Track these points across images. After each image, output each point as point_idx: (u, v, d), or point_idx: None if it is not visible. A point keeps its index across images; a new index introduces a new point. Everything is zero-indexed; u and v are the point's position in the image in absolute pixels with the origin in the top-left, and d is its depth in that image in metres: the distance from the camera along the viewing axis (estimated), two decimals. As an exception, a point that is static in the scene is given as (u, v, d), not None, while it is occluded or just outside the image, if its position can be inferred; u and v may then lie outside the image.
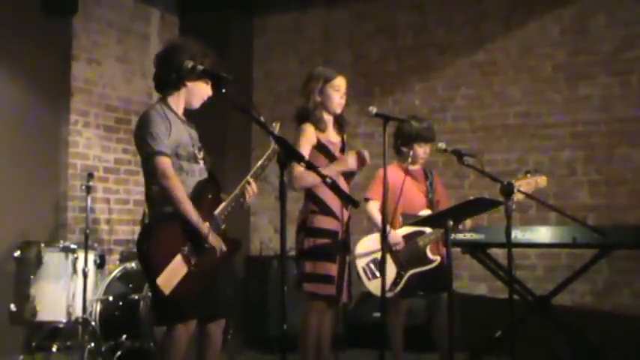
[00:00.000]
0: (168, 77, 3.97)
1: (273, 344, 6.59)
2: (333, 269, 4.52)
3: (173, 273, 3.72)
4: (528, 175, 4.88)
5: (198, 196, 3.88)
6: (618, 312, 6.49)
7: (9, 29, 6.58)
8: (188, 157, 3.93)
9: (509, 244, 4.35)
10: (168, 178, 3.80)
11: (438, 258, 5.13)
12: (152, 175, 3.86)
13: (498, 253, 6.11)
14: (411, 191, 5.21)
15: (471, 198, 4.56)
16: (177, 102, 4.01)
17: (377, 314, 6.33)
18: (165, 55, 4.01)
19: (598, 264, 5.70)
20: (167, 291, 3.70)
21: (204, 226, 3.82)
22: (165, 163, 3.81)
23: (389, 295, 5.06)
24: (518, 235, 5.48)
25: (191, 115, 4.12)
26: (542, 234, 5.54)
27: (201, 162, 3.99)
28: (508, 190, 4.31)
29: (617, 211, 6.57)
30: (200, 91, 4.02)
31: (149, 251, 3.76)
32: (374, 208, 5.15)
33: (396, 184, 4.98)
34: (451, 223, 4.41)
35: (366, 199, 5.22)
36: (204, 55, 3.93)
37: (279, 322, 3.40)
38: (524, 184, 4.82)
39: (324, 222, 4.56)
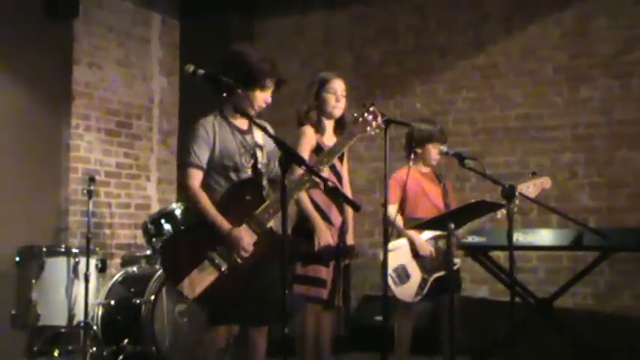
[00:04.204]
0: (221, 84, 3.97)
1: (275, 348, 6.57)
2: (323, 272, 4.52)
3: (199, 278, 3.77)
4: (533, 177, 4.88)
5: (231, 198, 3.92)
6: (620, 314, 6.49)
7: (10, 33, 6.59)
8: (235, 167, 3.96)
9: (510, 247, 4.36)
10: (191, 188, 3.89)
11: (459, 261, 5.16)
12: (181, 183, 3.94)
13: (500, 256, 6.12)
14: (431, 193, 5.23)
15: (473, 201, 4.57)
16: (232, 109, 4.01)
17: (379, 317, 6.33)
18: (218, 62, 4.05)
19: (599, 266, 5.70)
20: (192, 295, 3.77)
21: (226, 227, 3.82)
22: (192, 175, 3.90)
23: (416, 299, 5.09)
24: (519, 237, 5.48)
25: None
26: (544, 237, 5.54)
27: (249, 170, 4.00)
28: (509, 193, 4.32)
29: (618, 214, 6.56)
30: (253, 99, 4.00)
31: (167, 260, 3.88)
32: (393, 211, 5.14)
33: (413, 186, 5.02)
34: (452, 225, 4.41)
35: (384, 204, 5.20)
36: (261, 60, 3.97)
37: (281, 326, 3.39)
38: (530, 187, 4.83)
39: None
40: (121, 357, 5.67)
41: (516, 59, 7.12)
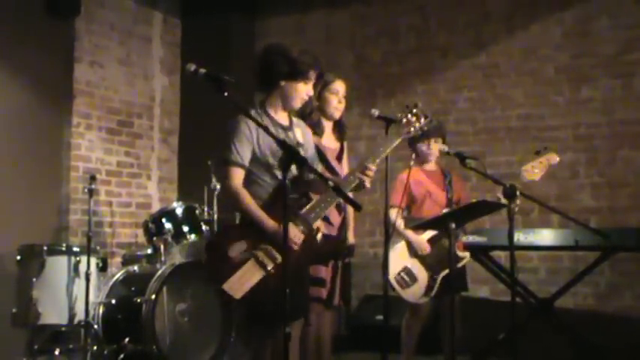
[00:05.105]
0: (262, 77, 3.97)
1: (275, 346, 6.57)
2: (323, 271, 4.50)
3: (244, 278, 3.68)
4: (537, 155, 4.80)
5: (277, 196, 3.81)
6: (620, 314, 6.49)
7: (11, 31, 6.59)
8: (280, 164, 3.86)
9: (511, 247, 4.36)
10: (231, 187, 3.82)
11: (467, 254, 5.15)
12: (221, 182, 3.86)
13: (501, 256, 6.12)
14: (434, 193, 5.23)
15: (474, 200, 4.57)
16: (275, 104, 3.99)
17: (379, 317, 6.33)
18: (260, 56, 4.02)
19: (600, 266, 5.70)
20: (237, 295, 3.67)
21: (272, 223, 3.74)
22: (233, 174, 3.83)
23: (423, 301, 5.09)
24: (520, 237, 5.49)
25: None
26: (545, 236, 5.54)
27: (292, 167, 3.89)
28: (510, 193, 4.31)
29: (619, 214, 6.56)
30: (296, 91, 3.97)
31: (212, 260, 3.78)
32: (394, 214, 5.16)
33: (416, 187, 5.03)
34: (453, 225, 4.41)
35: (390, 206, 5.21)
36: (303, 53, 3.95)
37: (282, 326, 3.38)
38: (536, 166, 4.77)
39: None
40: (121, 356, 5.66)
41: (518, 59, 7.12)
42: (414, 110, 4.11)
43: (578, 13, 6.90)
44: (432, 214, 5.04)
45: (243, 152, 3.84)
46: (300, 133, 4.06)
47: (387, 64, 7.70)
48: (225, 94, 3.72)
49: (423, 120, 4.12)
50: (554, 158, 4.75)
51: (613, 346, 5.85)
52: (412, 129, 4.10)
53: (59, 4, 6.88)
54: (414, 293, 5.07)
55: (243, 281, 3.68)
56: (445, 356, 5.25)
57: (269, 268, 3.72)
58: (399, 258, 5.07)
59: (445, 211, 5.17)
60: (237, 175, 3.84)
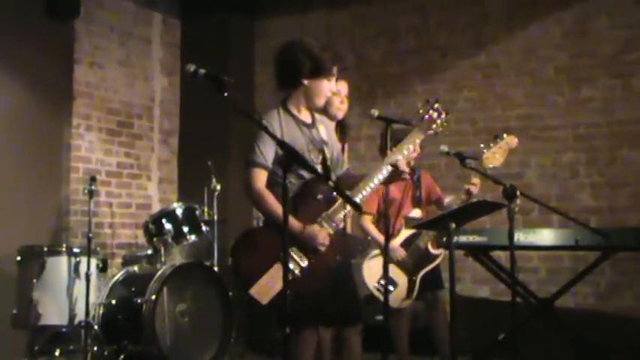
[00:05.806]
0: (284, 76, 3.91)
1: (275, 347, 6.57)
2: None
3: (272, 281, 3.60)
4: (496, 140, 4.74)
5: (302, 197, 3.76)
6: (621, 314, 6.48)
7: (11, 32, 6.59)
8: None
9: (511, 247, 4.35)
10: (255, 189, 3.74)
11: (442, 251, 5.15)
12: (243, 183, 3.79)
13: (501, 256, 6.12)
14: (396, 192, 5.21)
15: (474, 200, 4.56)
16: (297, 102, 3.92)
17: (379, 317, 6.33)
18: (280, 53, 3.94)
19: (600, 266, 5.70)
20: (264, 300, 3.60)
21: (298, 225, 3.66)
22: (256, 176, 3.75)
23: (406, 304, 5.11)
24: (520, 237, 5.47)
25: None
26: (545, 236, 5.54)
27: (319, 167, 3.84)
28: (510, 193, 4.31)
29: (619, 213, 6.56)
30: (320, 89, 3.88)
31: (237, 264, 3.68)
32: (366, 222, 5.20)
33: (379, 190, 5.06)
34: (453, 225, 4.40)
35: (363, 213, 5.23)
36: (322, 49, 3.85)
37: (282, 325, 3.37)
38: (497, 151, 4.71)
39: None
40: (122, 356, 5.67)
41: (517, 59, 7.12)
42: (436, 105, 3.96)
43: (578, 13, 6.90)
44: (405, 215, 5.11)
45: (267, 153, 3.76)
46: (324, 130, 4.00)
47: (387, 64, 7.70)
48: (225, 94, 3.71)
49: (444, 115, 3.96)
50: (514, 141, 4.68)
51: (613, 345, 5.84)
52: (434, 126, 3.94)
53: (59, 6, 6.88)
54: (395, 298, 5.09)
55: (269, 286, 3.60)
56: (440, 356, 5.27)
57: (296, 272, 3.65)
58: (376, 266, 5.07)
59: (416, 210, 5.21)
60: (261, 177, 3.76)
